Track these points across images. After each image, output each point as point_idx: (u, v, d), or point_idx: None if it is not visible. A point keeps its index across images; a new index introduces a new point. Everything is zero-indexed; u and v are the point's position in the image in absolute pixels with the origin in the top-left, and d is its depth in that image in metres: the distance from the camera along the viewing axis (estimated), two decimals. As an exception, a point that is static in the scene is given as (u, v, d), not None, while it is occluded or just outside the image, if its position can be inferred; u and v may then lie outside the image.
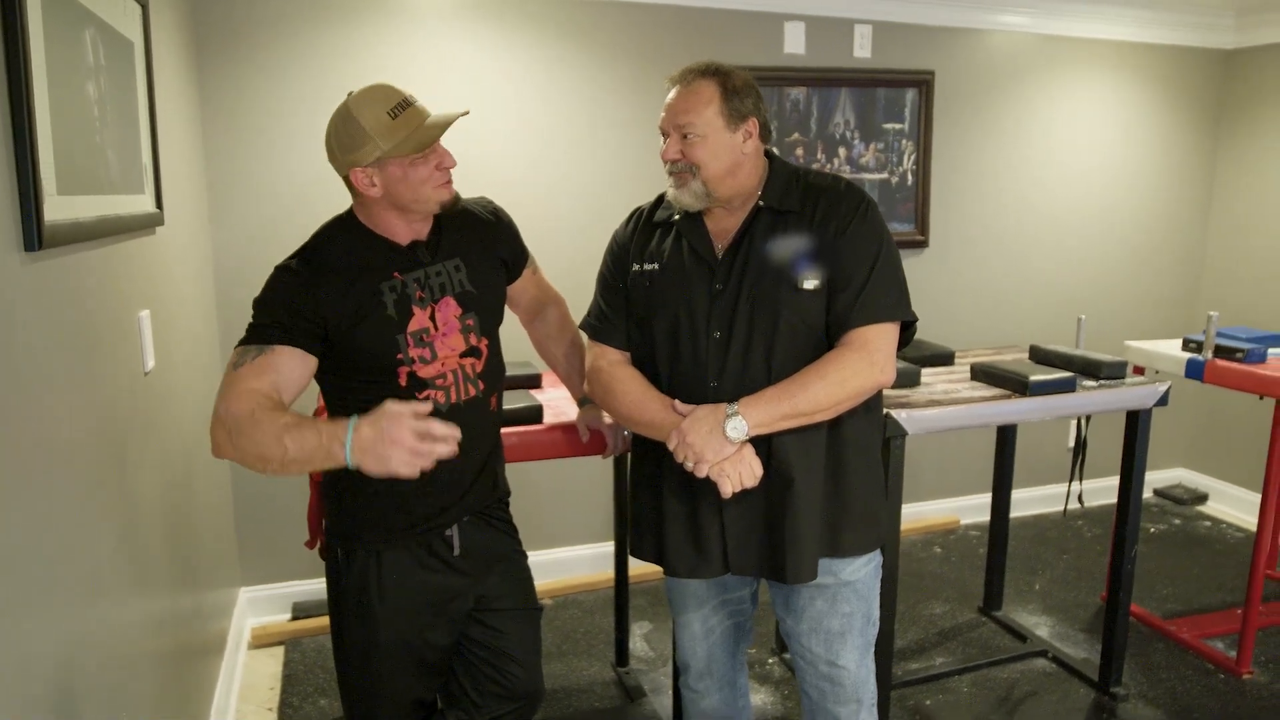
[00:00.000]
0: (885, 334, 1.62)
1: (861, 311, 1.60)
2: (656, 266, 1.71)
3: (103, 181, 1.57)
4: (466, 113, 1.57)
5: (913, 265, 3.81)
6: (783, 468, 1.64)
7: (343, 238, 1.61)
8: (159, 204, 2.04)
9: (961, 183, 3.86)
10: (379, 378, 1.58)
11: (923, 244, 3.80)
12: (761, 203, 1.66)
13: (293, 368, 1.50)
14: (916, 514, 4.04)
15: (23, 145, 1.18)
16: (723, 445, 1.57)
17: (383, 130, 1.48)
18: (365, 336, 1.55)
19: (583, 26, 3.22)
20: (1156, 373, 2.98)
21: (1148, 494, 4.42)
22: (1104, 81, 4.00)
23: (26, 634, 1.14)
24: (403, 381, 1.59)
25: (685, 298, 1.66)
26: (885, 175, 3.71)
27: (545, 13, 3.18)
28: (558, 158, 3.27)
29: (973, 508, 4.05)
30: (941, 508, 4.09)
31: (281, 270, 1.57)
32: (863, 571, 1.76)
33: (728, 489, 1.58)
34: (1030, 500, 4.11)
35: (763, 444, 1.63)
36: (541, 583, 3.32)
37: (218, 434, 1.42)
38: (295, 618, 3.16)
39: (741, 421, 1.56)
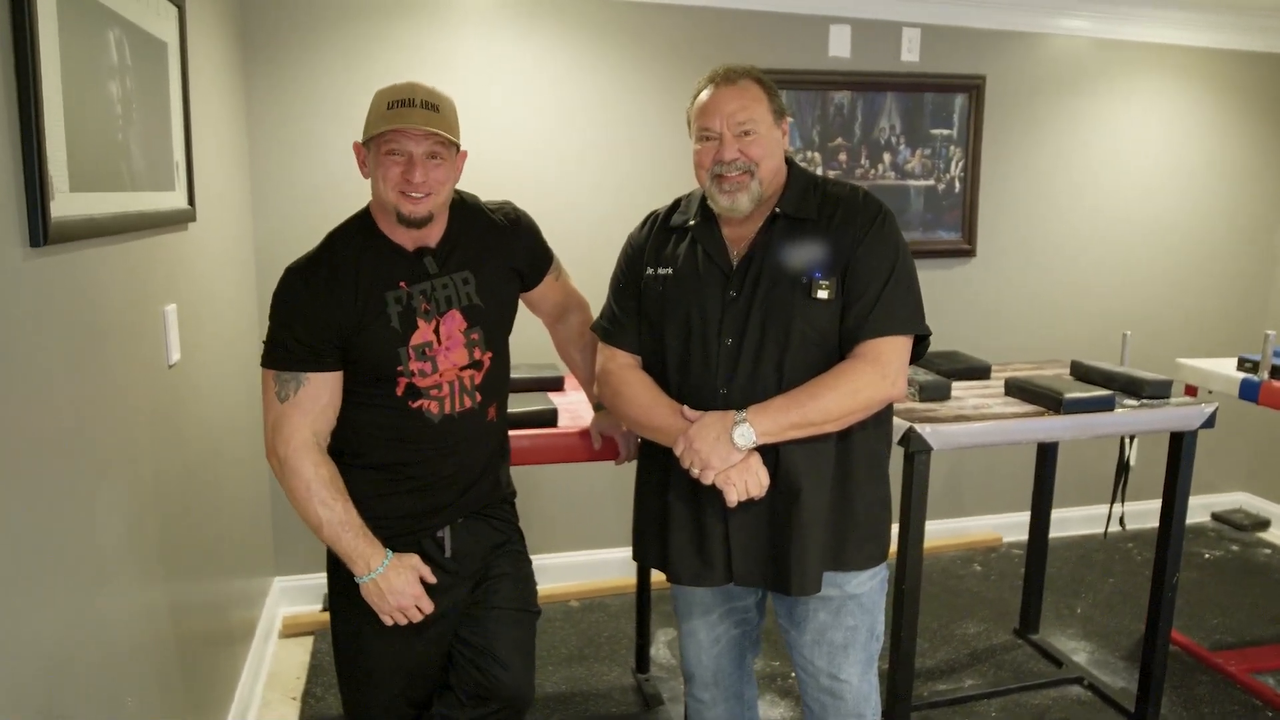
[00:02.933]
0: (898, 346, 1.61)
1: (875, 323, 1.59)
2: (670, 271, 1.70)
3: (124, 178, 1.61)
4: (454, 141, 1.56)
5: (958, 275, 3.73)
6: (790, 478, 1.63)
7: (353, 241, 1.62)
8: (191, 201, 2.09)
9: (1012, 191, 3.75)
10: (376, 384, 1.61)
11: (969, 253, 3.71)
12: (778, 210, 1.65)
13: (332, 392, 1.60)
14: (957, 530, 3.94)
15: (30, 143, 1.21)
16: (729, 452, 1.56)
17: (376, 117, 1.53)
18: (367, 345, 1.58)
19: (625, 29, 3.22)
20: (1210, 393, 2.86)
21: (1205, 518, 4.25)
22: (1166, 88, 3.86)
23: (26, 617, 1.17)
24: (399, 390, 1.61)
25: (698, 303, 1.66)
26: (931, 182, 3.63)
27: (587, 14, 3.18)
28: (597, 159, 3.27)
29: (1017, 525, 3.93)
30: (983, 524, 3.98)
31: (292, 275, 1.60)
32: (868, 585, 1.74)
33: (733, 497, 1.57)
34: (1078, 520, 3.98)
35: (770, 453, 1.61)
36: (570, 585, 3.39)
37: (272, 462, 1.59)
38: (325, 608, 3.20)
39: (749, 429, 1.55)
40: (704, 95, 1.66)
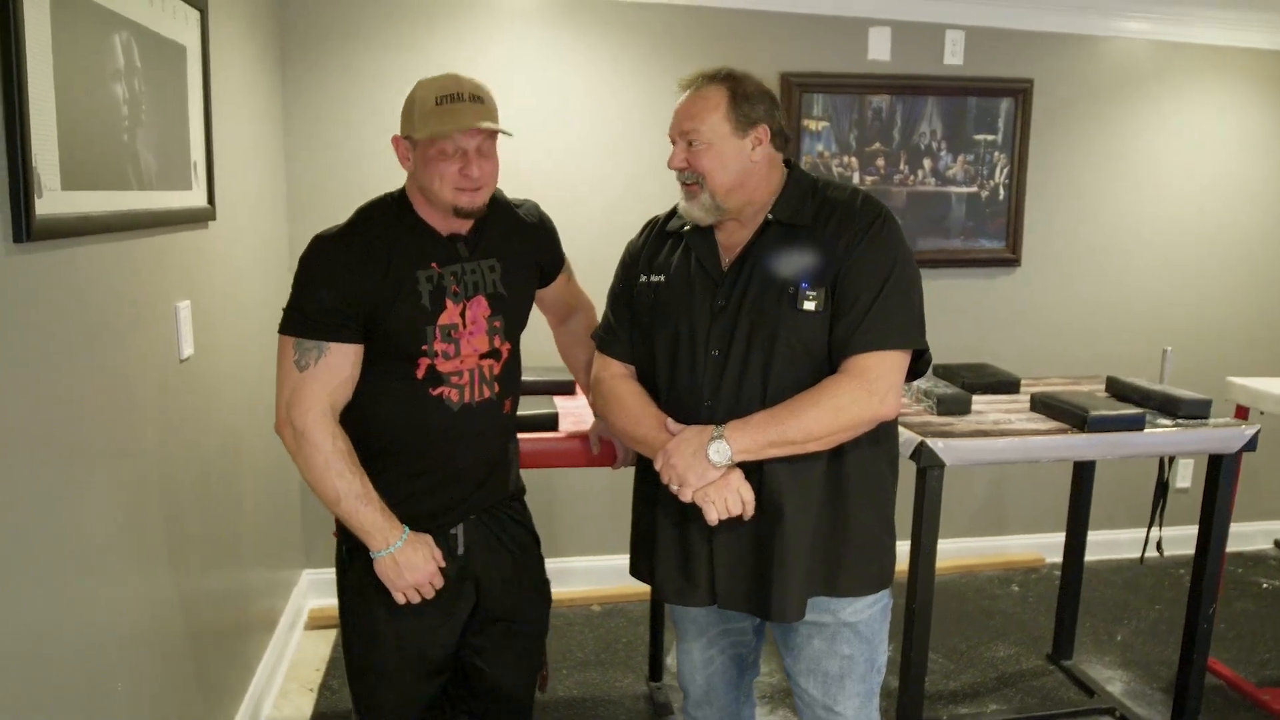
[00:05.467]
0: (889, 362, 1.53)
1: (864, 336, 1.52)
2: (662, 279, 1.67)
3: (129, 178, 1.65)
4: (506, 133, 1.55)
5: (1001, 285, 3.62)
6: (773, 498, 1.57)
7: (386, 218, 1.61)
8: (211, 200, 2.14)
9: (1060, 198, 3.63)
10: (398, 365, 1.59)
11: (1013, 262, 3.60)
12: (770, 216, 1.60)
13: (352, 365, 1.57)
14: (997, 548, 3.83)
15: (14, 142, 1.25)
16: (706, 469, 1.51)
17: (425, 113, 1.51)
18: (396, 321, 1.56)
19: (662, 33, 3.21)
20: (1261, 413, 2.71)
21: (1267, 545, 4.05)
22: (1227, 91, 3.69)
23: (11, 603, 1.22)
24: (420, 373, 1.59)
25: (687, 313, 1.62)
26: (974, 188, 3.54)
27: (623, 17, 3.18)
28: (627, 165, 3.26)
29: (1060, 546, 3.79)
30: (1025, 544, 3.86)
31: (325, 242, 1.58)
32: (866, 613, 1.66)
33: (712, 516, 1.52)
34: (1126, 543, 3.82)
35: (754, 472, 1.55)
36: (592, 589, 3.38)
37: (285, 433, 1.56)
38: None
39: (725, 445, 1.50)
40: (677, 99, 1.64)
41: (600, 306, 1.90)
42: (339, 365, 1.55)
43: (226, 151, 2.31)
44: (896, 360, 1.54)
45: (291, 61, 3.02)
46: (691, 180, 1.59)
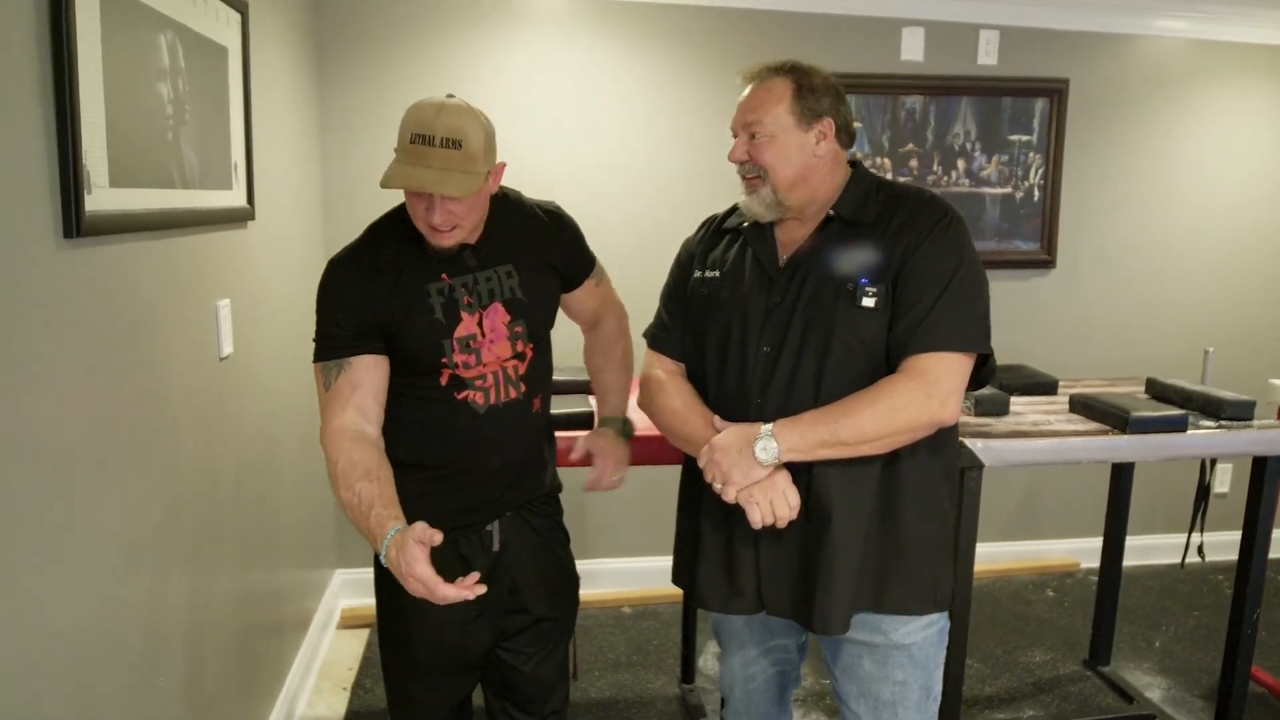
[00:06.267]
0: (950, 364, 1.47)
1: (925, 336, 1.46)
2: (717, 274, 1.64)
3: (173, 176, 1.67)
4: (456, 197, 1.47)
5: (1036, 286, 3.58)
6: (821, 502, 1.52)
7: (394, 232, 1.61)
8: (250, 200, 2.16)
9: (1095, 199, 3.59)
10: (420, 376, 1.60)
11: (1048, 264, 3.56)
12: (833, 211, 1.56)
13: (373, 376, 1.57)
14: (1032, 553, 3.78)
15: (65, 139, 1.27)
16: (751, 467, 1.47)
17: (400, 147, 1.50)
18: (411, 337, 1.57)
19: (693, 35, 3.21)
20: (1305, 416, 2.66)
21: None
22: (1266, 91, 3.63)
23: (53, 600, 1.22)
24: (443, 381, 1.60)
25: (740, 308, 1.58)
26: (1009, 190, 3.50)
27: (656, 21, 3.18)
28: (661, 169, 3.26)
29: (1097, 551, 3.73)
30: (1060, 548, 3.81)
31: (335, 266, 1.61)
32: (920, 635, 1.58)
33: (755, 518, 1.48)
34: (1165, 548, 3.76)
35: (803, 473, 1.51)
36: (623, 591, 3.38)
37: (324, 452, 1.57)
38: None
39: (773, 443, 1.46)
40: (740, 92, 1.62)
41: (636, 313, 1.89)
42: (359, 378, 1.56)
43: (265, 152, 2.33)
44: (958, 363, 1.48)
45: (328, 63, 3.05)
46: (753, 174, 1.56)
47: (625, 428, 1.86)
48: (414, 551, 1.38)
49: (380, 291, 1.56)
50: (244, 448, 2.15)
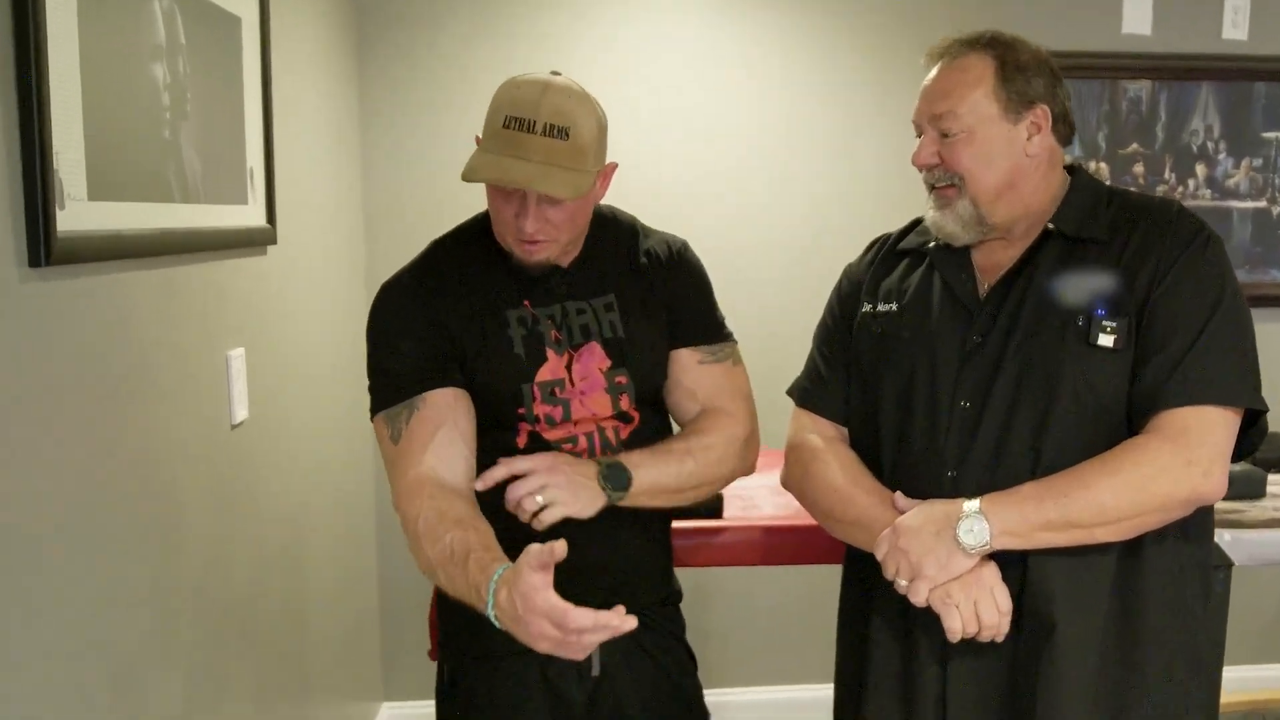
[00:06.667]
0: (1215, 422, 1.44)
1: (1182, 386, 1.44)
2: (894, 307, 1.65)
3: (171, 187, 1.65)
4: (560, 199, 1.49)
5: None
6: (1040, 606, 1.48)
7: (465, 246, 1.65)
8: (271, 218, 2.14)
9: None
10: (492, 430, 1.60)
11: (1317, 300, 3.41)
12: (1051, 226, 1.56)
13: (456, 414, 1.56)
14: (1258, 679, 3.56)
15: (30, 138, 1.24)
16: (951, 556, 1.44)
17: (489, 132, 1.52)
18: (485, 375, 1.58)
19: (862, 7, 3.18)
20: None
21: None
22: None
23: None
24: (521, 441, 1.60)
25: (927, 351, 1.58)
26: (1263, 203, 3.38)
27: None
28: (819, 176, 3.22)
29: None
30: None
31: (391, 290, 1.63)
32: None
33: (955, 626, 1.44)
34: None
35: (1015, 566, 1.48)
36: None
37: (400, 521, 1.55)
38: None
39: (983, 524, 1.42)
40: (925, 74, 1.60)
41: (781, 368, 1.84)
42: (437, 418, 1.55)
43: (290, 154, 2.32)
44: (1224, 421, 1.45)
45: (372, 35, 3.04)
46: (945, 182, 1.55)
47: (614, 473, 1.58)
48: (530, 580, 1.29)
49: (452, 313, 1.58)
50: (263, 541, 2.13)
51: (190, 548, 1.75)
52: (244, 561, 2.02)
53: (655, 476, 1.59)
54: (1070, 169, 1.63)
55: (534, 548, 1.30)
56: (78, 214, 1.32)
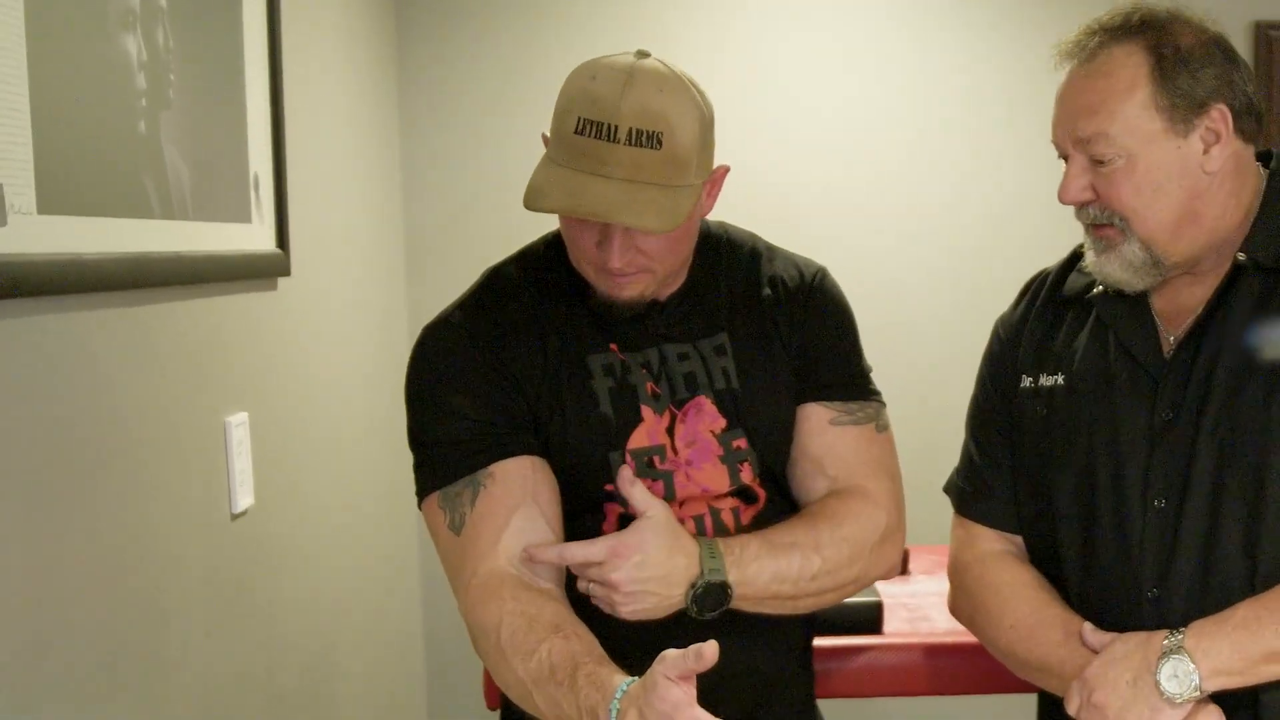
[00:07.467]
0: None
1: None
2: (1060, 380, 1.70)
3: (149, 198, 1.67)
4: (649, 231, 1.50)
5: None
6: None
7: (529, 277, 1.67)
8: (282, 241, 2.16)
9: None
10: (572, 509, 1.62)
11: None
12: (1242, 256, 1.59)
13: (536, 486, 1.58)
14: None
15: None
16: (1156, 713, 1.48)
17: (556, 137, 1.53)
18: (561, 440, 1.61)
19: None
20: None
21: None
22: None
23: None
24: (610, 524, 1.62)
25: (1107, 436, 1.63)
26: None
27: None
28: (1000, 188, 3.26)
29: None
30: None
31: (435, 334, 1.65)
32: None
33: None
34: None
35: (1245, 711, 1.53)
36: None
37: (470, 633, 1.59)
38: None
39: (1189, 666, 1.47)
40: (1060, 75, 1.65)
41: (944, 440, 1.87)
42: (511, 494, 1.57)
43: (306, 157, 2.35)
44: None
45: (412, 28, 3.11)
46: (1105, 220, 1.58)
47: (714, 564, 1.61)
48: (669, 697, 1.30)
49: (516, 358, 1.60)
50: (276, 659, 2.16)
51: (176, 666, 1.76)
52: (252, 684, 2.04)
53: (768, 579, 1.60)
54: (1262, 156, 1.65)
55: (672, 653, 1.31)
56: (22, 233, 1.32)
